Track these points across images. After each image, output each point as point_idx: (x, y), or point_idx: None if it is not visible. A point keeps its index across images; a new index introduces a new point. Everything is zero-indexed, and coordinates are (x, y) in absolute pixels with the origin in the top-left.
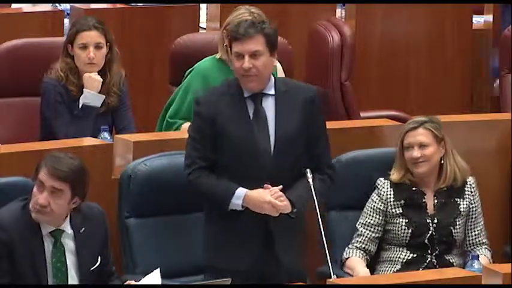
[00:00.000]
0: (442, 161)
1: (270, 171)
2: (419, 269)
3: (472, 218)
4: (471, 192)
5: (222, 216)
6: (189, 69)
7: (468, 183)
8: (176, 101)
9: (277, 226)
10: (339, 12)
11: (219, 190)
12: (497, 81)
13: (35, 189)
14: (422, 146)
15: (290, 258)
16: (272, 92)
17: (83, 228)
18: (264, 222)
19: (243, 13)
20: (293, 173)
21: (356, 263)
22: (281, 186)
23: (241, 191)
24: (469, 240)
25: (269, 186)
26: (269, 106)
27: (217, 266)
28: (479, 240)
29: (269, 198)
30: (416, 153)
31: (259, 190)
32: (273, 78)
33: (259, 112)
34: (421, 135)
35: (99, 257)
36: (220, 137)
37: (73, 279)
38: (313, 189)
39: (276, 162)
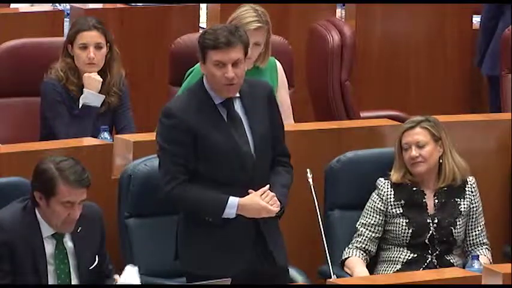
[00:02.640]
0: (441, 160)
1: (254, 173)
2: (419, 269)
3: (472, 218)
4: (472, 192)
5: (206, 222)
6: (190, 70)
7: (469, 183)
8: None
9: (266, 226)
10: (339, 12)
11: (209, 201)
12: None
13: (59, 208)
14: (419, 145)
15: (279, 255)
16: (237, 94)
17: (80, 228)
18: (255, 223)
19: (247, 10)
20: (269, 170)
21: (355, 262)
22: (268, 186)
23: (233, 200)
24: (469, 240)
25: (252, 191)
26: (239, 109)
27: (207, 274)
28: (479, 241)
29: (263, 203)
30: (414, 152)
31: (250, 196)
32: None
33: (234, 117)
34: (419, 134)
35: (97, 256)
36: (202, 146)
37: (74, 279)
38: (312, 189)
39: (258, 162)
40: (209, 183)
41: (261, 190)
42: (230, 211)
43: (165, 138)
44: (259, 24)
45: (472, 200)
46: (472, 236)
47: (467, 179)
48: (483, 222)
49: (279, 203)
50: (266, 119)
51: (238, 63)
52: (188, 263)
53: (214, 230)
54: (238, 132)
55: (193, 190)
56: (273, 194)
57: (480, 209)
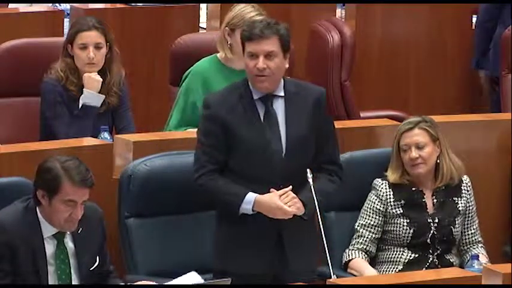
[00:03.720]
0: (438, 160)
1: (282, 173)
2: (422, 269)
3: (468, 216)
4: (467, 190)
5: (233, 219)
6: (186, 72)
7: (464, 181)
8: (177, 110)
9: (289, 228)
10: (339, 12)
11: (229, 195)
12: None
13: (61, 207)
14: (419, 146)
15: (300, 259)
16: (282, 93)
17: (81, 229)
18: (277, 224)
19: (245, 6)
20: (305, 174)
21: (361, 263)
22: (291, 187)
23: (251, 196)
24: (465, 239)
25: (274, 190)
26: (279, 108)
27: (231, 271)
28: (475, 239)
29: (279, 203)
30: (414, 154)
31: (270, 194)
32: (282, 79)
33: (270, 114)
34: (418, 135)
35: (98, 257)
36: (232, 140)
37: (74, 280)
38: (312, 189)
39: (288, 163)
40: (237, 179)
41: (282, 190)
42: (246, 206)
43: (200, 127)
44: (261, 17)
45: (468, 198)
46: (468, 234)
47: (462, 178)
48: (477, 221)
49: (300, 205)
50: (309, 122)
51: (272, 56)
52: (216, 259)
53: (238, 228)
54: (271, 129)
55: (218, 181)
56: (294, 195)
57: (475, 207)
